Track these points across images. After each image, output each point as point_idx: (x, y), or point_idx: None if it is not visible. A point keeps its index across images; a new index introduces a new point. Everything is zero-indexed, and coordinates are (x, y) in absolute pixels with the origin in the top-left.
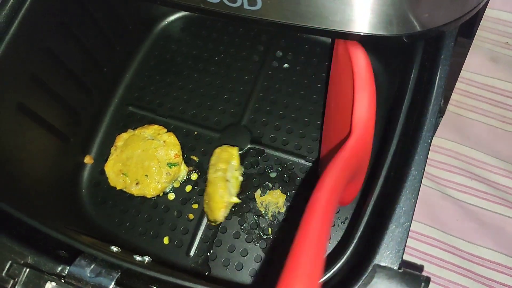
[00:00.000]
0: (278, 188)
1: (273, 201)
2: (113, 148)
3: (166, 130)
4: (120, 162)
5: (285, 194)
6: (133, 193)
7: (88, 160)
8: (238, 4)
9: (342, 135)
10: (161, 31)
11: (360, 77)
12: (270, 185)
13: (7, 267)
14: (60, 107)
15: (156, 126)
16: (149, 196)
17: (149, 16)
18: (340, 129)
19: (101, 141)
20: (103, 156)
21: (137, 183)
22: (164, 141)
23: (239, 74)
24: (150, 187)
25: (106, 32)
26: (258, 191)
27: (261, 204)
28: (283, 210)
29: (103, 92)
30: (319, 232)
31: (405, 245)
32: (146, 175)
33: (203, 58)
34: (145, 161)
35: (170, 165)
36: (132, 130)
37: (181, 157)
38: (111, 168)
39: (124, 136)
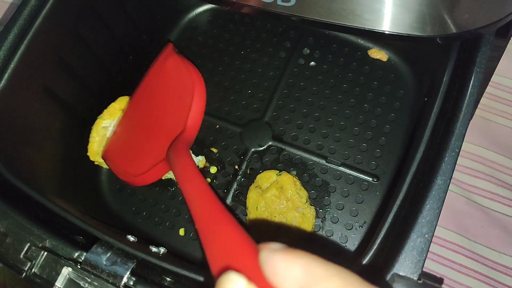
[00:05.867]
0: None
1: None
2: None
3: None
4: None
5: None
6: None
7: None
8: None
9: (174, 129)
10: (188, 22)
11: (199, 93)
12: None
13: (25, 249)
14: (85, 92)
15: None
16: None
17: (178, 6)
18: (168, 125)
19: None
20: None
21: None
22: None
23: (264, 70)
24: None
25: (134, 20)
26: None
27: None
28: None
29: (127, 80)
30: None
31: (426, 256)
32: None
33: (229, 52)
34: None
35: None
36: None
37: None
38: None
39: None
